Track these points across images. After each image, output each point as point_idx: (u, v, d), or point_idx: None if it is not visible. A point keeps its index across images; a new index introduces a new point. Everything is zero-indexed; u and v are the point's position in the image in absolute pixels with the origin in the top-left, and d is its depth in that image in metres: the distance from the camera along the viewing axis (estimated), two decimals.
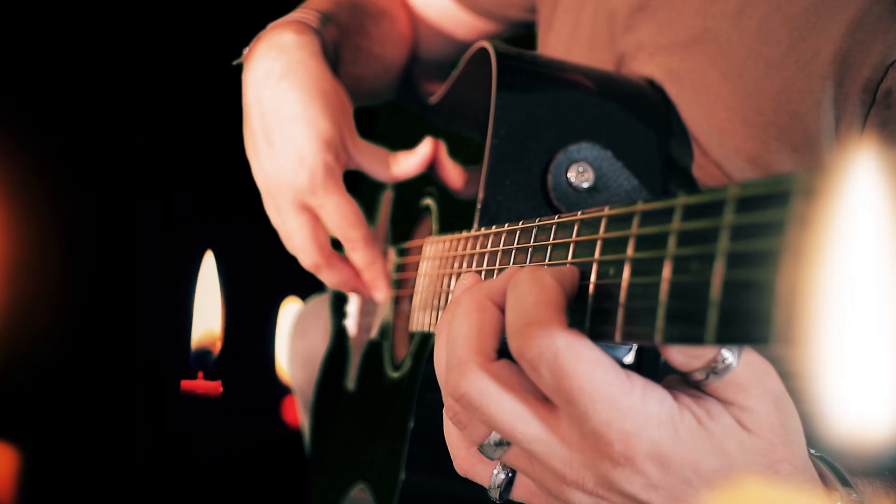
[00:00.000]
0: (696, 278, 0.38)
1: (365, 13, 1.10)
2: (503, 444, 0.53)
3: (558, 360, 0.45)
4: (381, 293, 0.98)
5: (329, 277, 0.97)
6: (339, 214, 0.92)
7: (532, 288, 0.48)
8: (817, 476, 0.51)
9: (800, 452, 0.49)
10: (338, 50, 1.02)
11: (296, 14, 1.00)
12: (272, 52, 0.93)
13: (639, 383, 0.46)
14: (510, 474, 0.55)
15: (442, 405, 0.56)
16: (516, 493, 0.56)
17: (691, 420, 0.46)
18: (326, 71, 0.93)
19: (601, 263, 0.48)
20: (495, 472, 0.56)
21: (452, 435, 0.58)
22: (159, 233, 1.92)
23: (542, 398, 0.49)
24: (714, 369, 0.46)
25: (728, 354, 0.46)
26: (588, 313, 0.48)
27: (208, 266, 0.93)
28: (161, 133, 1.94)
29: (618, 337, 0.44)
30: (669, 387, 0.48)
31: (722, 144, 0.80)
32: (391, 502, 0.82)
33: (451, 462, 0.58)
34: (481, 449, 0.54)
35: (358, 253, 0.95)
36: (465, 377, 0.50)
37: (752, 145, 0.77)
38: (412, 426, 0.80)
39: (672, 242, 0.41)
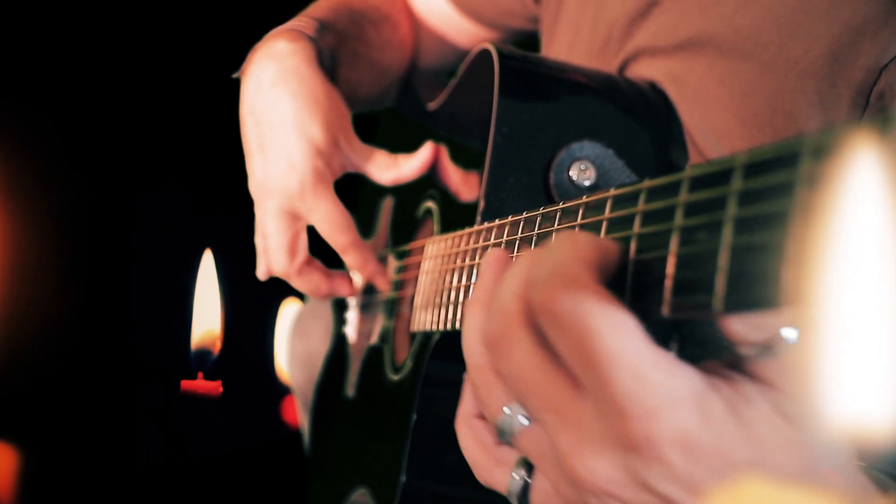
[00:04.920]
0: (703, 247, 0.38)
1: (365, 19, 1.10)
2: (518, 426, 0.49)
3: (585, 318, 0.40)
4: (382, 285, 1.00)
5: (299, 285, 1.00)
6: (328, 220, 0.92)
7: (565, 242, 0.44)
8: (867, 483, 0.46)
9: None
10: (335, 56, 1.02)
11: (292, 22, 1.01)
12: (265, 60, 0.94)
13: (666, 358, 0.41)
14: (527, 479, 0.52)
15: (444, 402, 0.56)
16: (535, 498, 0.52)
17: (723, 404, 0.41)
18: (320, 77, 0.94)
19: None
20: (512, 476, 0.52)
21: (469, 440, 0.55)
22: (159, 232, 1.92)
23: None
24: (770, 347, 0.41)
25: (789, 334, 0.41)
26: None
27: (208, 265, 0.93)
28: (161, 132, 1.94)
29: None
30: (701, 368, 0.43)
31: (719, 145, 0.80)
32: None
33: (452, 463, 0.58)
34: (497, 427, 0.50)
35: (349, 256, 0.96)
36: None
37: (750, 146, 0.77)
38: (414, 419, 0.80)
39: (679, 215, 0.40)
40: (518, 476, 0.52)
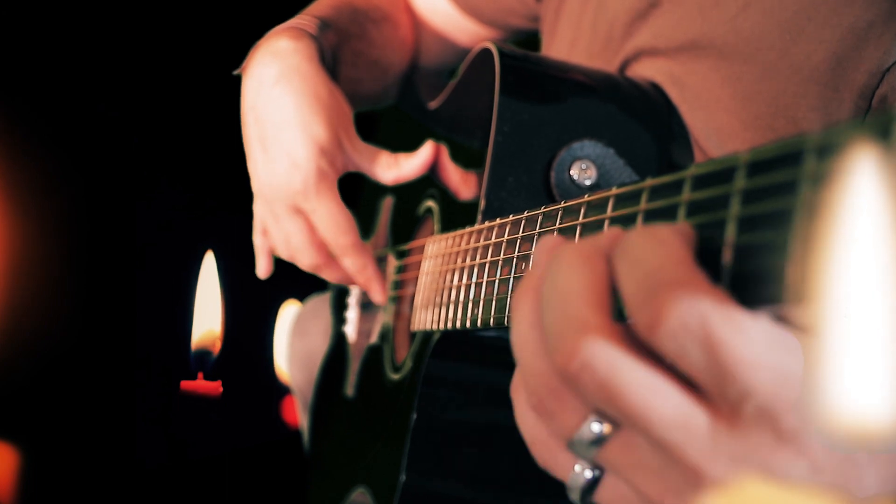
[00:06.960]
0: (706, 245, 0.37)
1: (366, 18, 1.10)
2: (600, 440, 0.41)
3: (709, 328, 0.35)
4: (377, 295, 0.98)
5: (330, 274, 0.98)
6: (331, 220, 0.92)
7: (650, 245, 0.38)
8: None
9: None
10: (336, 55, 1.02)
11: (294, 20, 1.00)
12: (267, 58, 0.94)
13: (795, 342, 0.35)
14: (597, 474, 0.43)
15: (445, 402, 0.55)
16: (602, 496, 0.44)
17: None
18: (322, 75, 0.93)
19: None
20: (578, 468, 0.43)
21: (529, 418, 0.45)
22: (160, 232, 1.92)
23: (680, 377, 0.38)
24: None
25: None
26: None
27: (208, 266, 0.93)
28: (162, 132, 1.94)
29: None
30: None
31: (722, 147, 0.80)
32: None
33: (452, 463, 0.57)
34: (571, 446, 0.42)
35: (348, 259, 0.95)
36: (587, 340, 0.38)
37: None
38: (414, 418, 0.79)
39: (681, 213, 0.40)
40: (586, 470, 0.43)
